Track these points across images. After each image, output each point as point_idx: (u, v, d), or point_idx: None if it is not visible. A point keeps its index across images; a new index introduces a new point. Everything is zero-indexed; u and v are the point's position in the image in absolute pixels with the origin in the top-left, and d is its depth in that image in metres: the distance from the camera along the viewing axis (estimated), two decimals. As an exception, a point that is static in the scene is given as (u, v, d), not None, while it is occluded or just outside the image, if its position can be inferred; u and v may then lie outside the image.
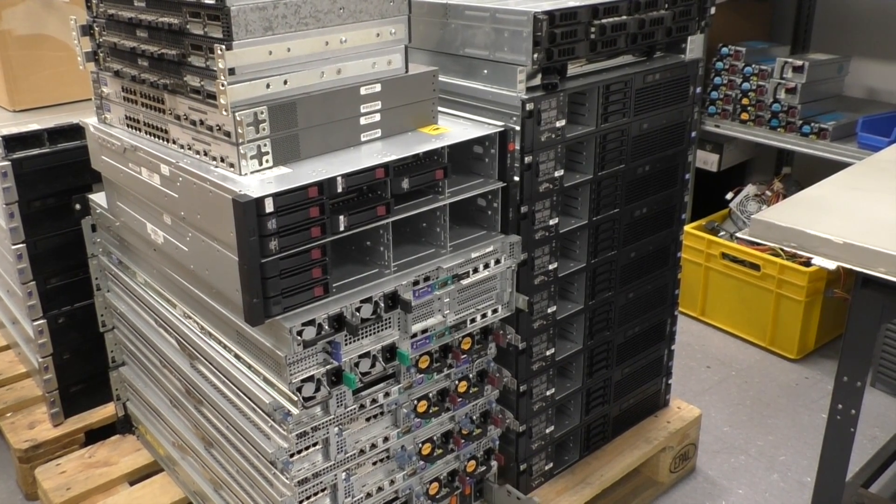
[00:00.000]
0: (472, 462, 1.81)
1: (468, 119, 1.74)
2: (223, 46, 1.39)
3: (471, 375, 1.75)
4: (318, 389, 1.44)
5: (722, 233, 3.25)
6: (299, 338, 1.38)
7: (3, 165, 2.08)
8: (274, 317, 1.38)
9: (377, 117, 1.62)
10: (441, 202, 1.59)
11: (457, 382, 1.72)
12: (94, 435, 2.31)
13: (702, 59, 2.09)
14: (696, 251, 3.19)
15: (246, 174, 1.44)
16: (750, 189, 3.33)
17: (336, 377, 1.46)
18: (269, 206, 1.33)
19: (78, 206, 2.09)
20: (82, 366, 2.31)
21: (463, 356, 1.69)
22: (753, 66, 3.21)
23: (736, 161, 3.69)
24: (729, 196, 3.36)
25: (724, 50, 3.29)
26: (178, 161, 1.55)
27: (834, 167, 2.14)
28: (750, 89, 3.23)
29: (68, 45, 2.32)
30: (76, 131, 2.16)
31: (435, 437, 1.71)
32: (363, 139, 1.61)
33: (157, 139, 1.67)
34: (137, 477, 2.14)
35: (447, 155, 1.59)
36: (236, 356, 1.56)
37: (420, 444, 1.69)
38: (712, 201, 3.46)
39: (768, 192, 3.28)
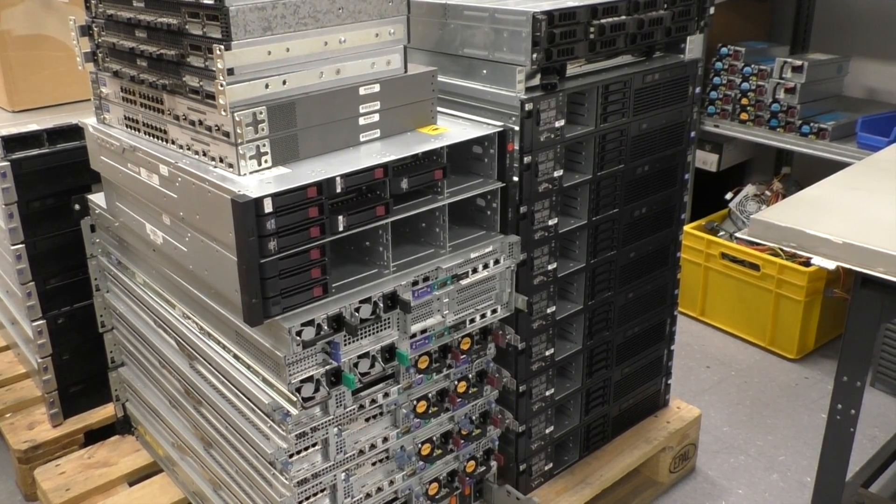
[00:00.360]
0: (472, 462, 1.81)
1: (467, 119, 1.74)
2: (222, 47, 1.39)
3: (470, 376, 1.74)
4: (317, 390, 1.44)
5: (721, 233, 3.25)
6: (298, 338, 1.38)
7: (2, 166, 2.08)
8: (273, 317, 1.38)
9: (376, 117, 1.62)
10: (440, 202, 1.59)
11: (456, 383, 1.72)
12: (94, 435, 2.30)
13: (701, 59, 2.09)
14: (696, 251, 3.19)
15: (245, 174, 1.44)
16: (749, 189, 3.33)
17: (335, 377, 1.46)
18: (268, 207, 1.33)
19: (77, 207, 2.09)
20: (81, 366, 2.31)
21: (462, 356, 1.69)
22: (753, 66, 3.21)
23: (735, 161, 3.69)
24: (728, 196, 3.36)
25: (724, 50, 3.29)
26: (177, 161, 1.54)
27: (833, 167, 2.14)
28: (749, 89, 3.23)
29: (67, 45, 2.32)
30: (75, 132, 2.15)
31: (434, 438, 1.71)
32: (362, 139, 1.61)
33: (156, 139, 1.67)
34: (137, 477, 2.13)
35: (446, 155, 1.59)
36: (235, 356, 1.56)
37: (419, 445, 1.69)
38: (712, 201, 3.46)
39: (768, 192, 3.28)
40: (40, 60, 2.34)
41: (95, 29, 1.77)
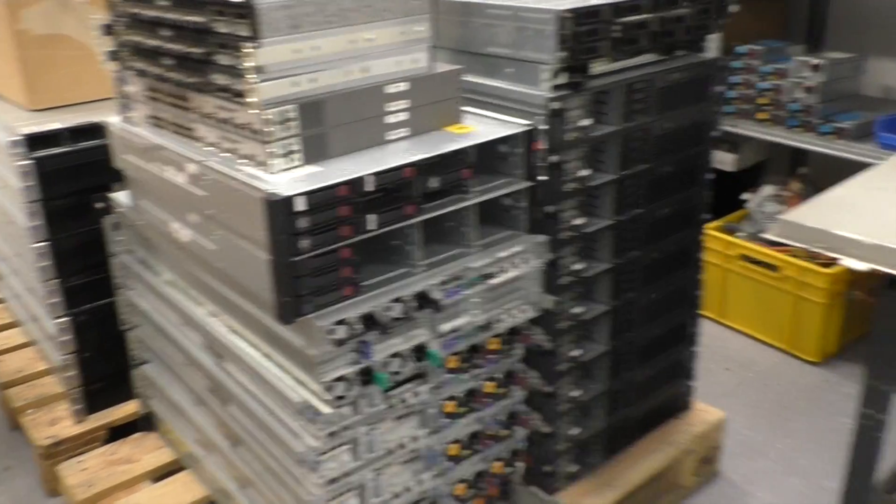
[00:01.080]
0: (499, 463, 1.80)
1: (492, 118, 1.74)
2: (251, 45, 1.39)
3: (498, 376, 1.74)
4: (348, 389, 1.44)
5: (740, 233, 3.23)
6: (330, 337, 1.38)
7: (26, 164, 2.08)
8: (305, 316, 1.38)
9: (403, 116, 1.61)
10: (469, 201, 1.59)
11: (484, 383, 1.72)
12: (116, 432, 2.31)
13: (721, 57, 2.08)
14: (715, 252, 3.17)
15: (275, 173, 1.44)
16: (768, 189, 3.31)
17: (366, 376, 1.45)
18: (300, 205, 1.33)
19: (100, 205, 2.09)
20: (104, 363, 2.31)
21: (491, 356, 1.69)
22: (770, 65, 3.19)
23: (752, 161, 3.67)
24: (746, 196, 3.34)
25: (740, 49, 3.27)
26: (205, 160, 1.54)
27: (851, 167, 2.12)
28: (767, 88, 3.21)
29: (85, 44, 2.33)
30: (97, 130, 2.15)
31: (462, 438, 1.71)
32: (389, 138, 1.60)
33: (182, 137, 1.67)
34: (160, 475, 2.13)
35: (474, 154, 1.59)
36: (265, 355, 1.56)
37: (447, 445, 1.69)
38: (726, 202, 3.44)
39: (786, 193, 3.27)
40: (58, 60, 2.35)
41: (119, 28, 1.76)
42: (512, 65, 1.78)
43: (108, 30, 1.81)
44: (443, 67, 1.69)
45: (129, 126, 1.84)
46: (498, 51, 1.80)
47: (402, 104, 1.61)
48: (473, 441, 1.74)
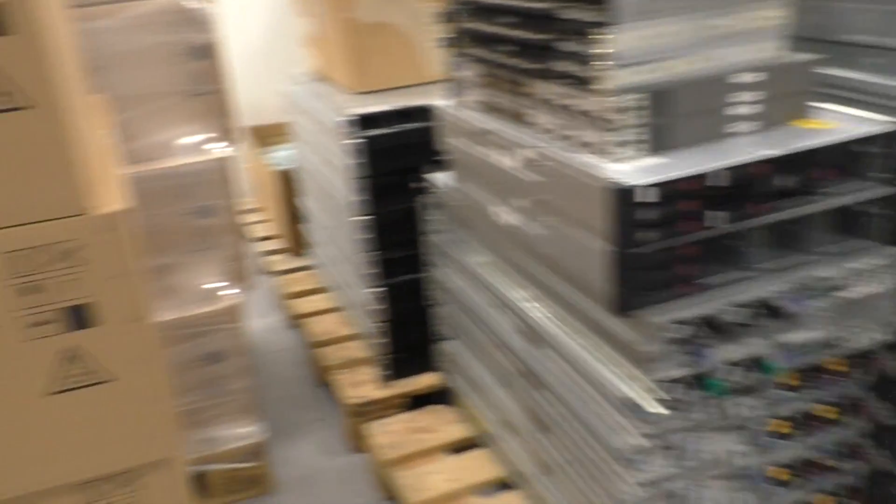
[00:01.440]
0: (829, 498, 1.62)
1: (847, 114, 1.55)
2: (604, 31, 1.36)
3: (839, 401, 1.56)
4: (679, 391, 1.37)
5: None
6: (666, 335, 1.32)
7: (358, 143, 2.27)
8: (638, 309, 1.33)
9: (749, 108, 1.50)
10: (824, 205, 1.43)
11: (819, 406, 1.55)
12: (417, 401, 2.43)
13: None
14: None
15: (619, 162, 1.40)
16: None
17: (698, 381, 1.38)
18: (646, 196, 1.28)
19: (418, 184, 2.21)
20: (411, 334, 2.44)
21: (831, 378, 1.52)
22: None
23: None
24: None
25: None
26: (542, 146, 1.55)
27: None
28: None
29: (406, 32, 2.48)
30: (418, 113, 2.29)
31: (790, 463, 1.56)
32: (733, 131, 1.50)
33: (514, 123, 1.70)
34: (456, 448, 2.20)
35: (833, 153, 1.43)
36: (588, 345, 1.54)
37: (773, 468, 1.55)
38: None
39: None
40: (382, 46, 2.53)
41: (458, 15, 1.83)
42: (877, 54, 1.58)
43: (448, 17, 1.89)
44: (795, 57, 1.54)
45: (459, 110, 1.91)
46: (858, 38, 1.61)
47: (750, 95, 1.50)
48: (803, 468, 1.58)
